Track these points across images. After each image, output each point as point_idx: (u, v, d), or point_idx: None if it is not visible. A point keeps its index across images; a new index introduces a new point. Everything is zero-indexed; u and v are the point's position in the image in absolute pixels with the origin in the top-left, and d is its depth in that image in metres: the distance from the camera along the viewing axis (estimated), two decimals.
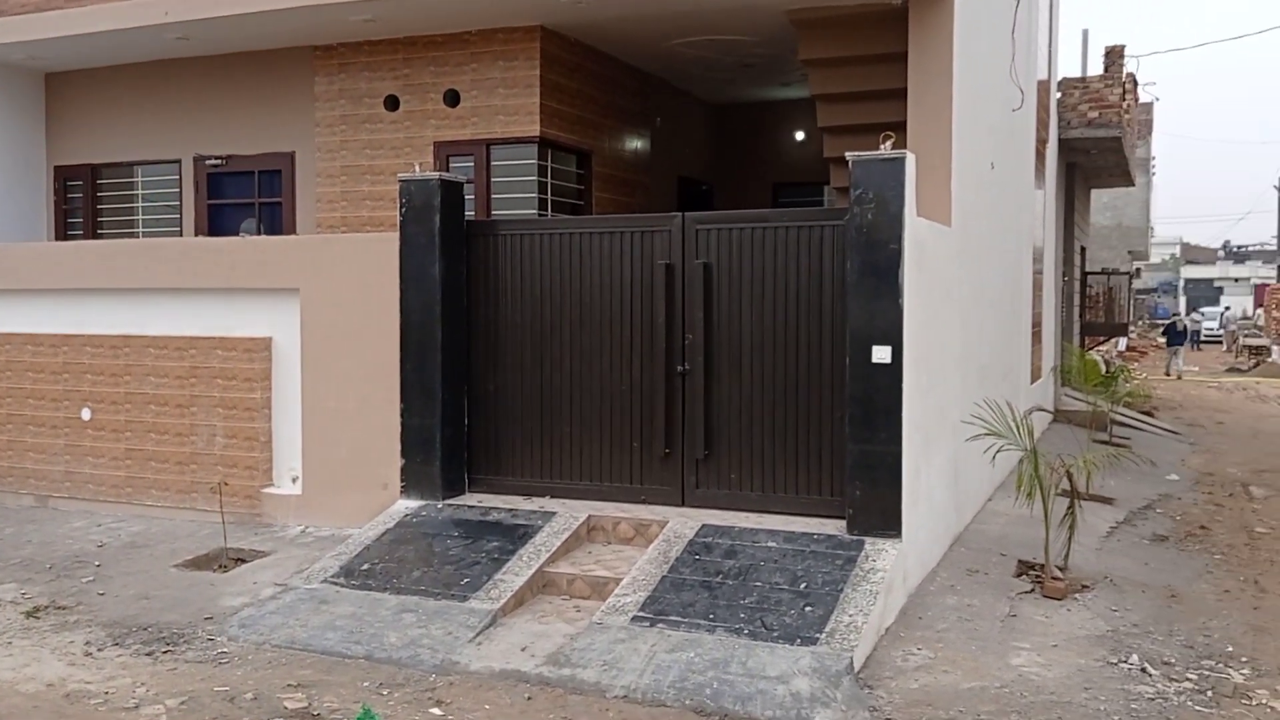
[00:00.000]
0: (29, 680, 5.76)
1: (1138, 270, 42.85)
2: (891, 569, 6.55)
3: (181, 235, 11.84)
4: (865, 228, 6.85)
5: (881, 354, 6.79)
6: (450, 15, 9.99)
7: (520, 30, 10.31)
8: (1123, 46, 16.53)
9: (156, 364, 9.11)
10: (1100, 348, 25.05)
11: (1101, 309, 21.51)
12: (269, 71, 11.39)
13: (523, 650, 6.08)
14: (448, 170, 10.38)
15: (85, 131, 12.35)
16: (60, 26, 10.73)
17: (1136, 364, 27.85)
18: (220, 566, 7.76)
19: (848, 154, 6.96)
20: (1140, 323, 44.87)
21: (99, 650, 6.21)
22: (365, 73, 10.90)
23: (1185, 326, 33.86)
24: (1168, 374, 28.59)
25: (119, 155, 12.21)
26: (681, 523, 7.33)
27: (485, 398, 8.31)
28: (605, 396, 7.97)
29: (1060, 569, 7.56)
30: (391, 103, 10.83)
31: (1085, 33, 22.35)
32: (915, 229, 6.98)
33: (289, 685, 5.72)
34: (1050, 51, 15.30)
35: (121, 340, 9.24)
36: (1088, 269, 21.89)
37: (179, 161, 11.91)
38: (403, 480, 8.14)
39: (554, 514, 7.67)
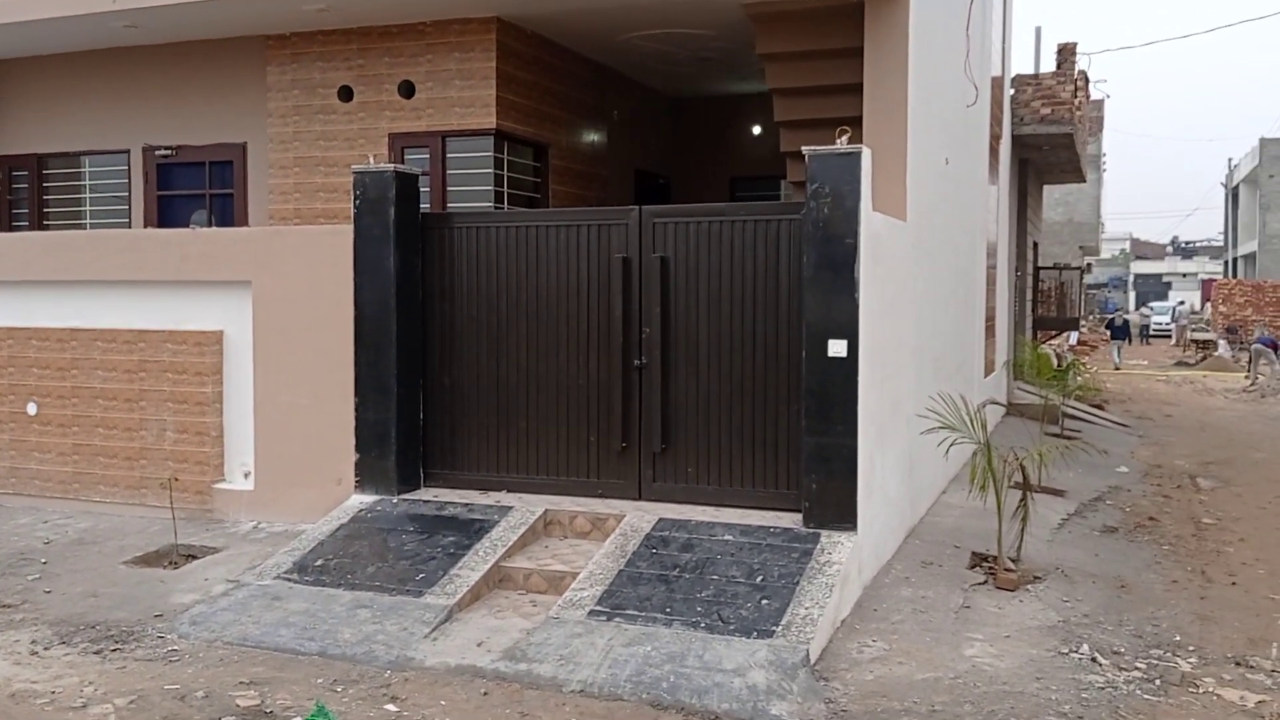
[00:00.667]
0: None
1: (1089, 265, 43.51)
2: (847, 561, 6.60)
3: (130, 227, 11.63)
4: (821, 222, 6.88)
5: (837, 348, 6.82)
6: (405, 5, 9.90)
7: (476, 21, 10.24)
8: (1075, 44, 16.76)
9: (105, 357, 8.94)
10: (1052, 342, 25.40)
11: (1054, 303, 21.81)
12: (221, 61, 11.22)
13: (479, 645, 6.05)
14: (403, 162, 10.28)
15: (31, 120, 12.09)
16: (4, 13, 10.47)
17: (1087, 358, 28.31)
18: (171, 563, 7.64)
19: (804, 148, 6.99)
20: (1091, 317, 45.60)
21: (45, 649, 6.09)
22: (319, 63, 10.77)
23: (1126, 321, 35.83)
24: (1117, 368, 30.04)
25: (66, 145, 11.97)
26: (638, 516, 7.32)
27: (441, 392, 8.25)
28: (562, 391, 7.95)
29: (1013, 560, 7.65)
30: (345, 93, 10.71)
31: (1038, 30, 22.60)
32: (871, 223, 7.02)
33: (241, 683, 5.64)
34: (1004, 48, 15.45)
35: (69, 333, 9.06)
36: (1040, 264, 22.17)
37: (128, 152, 11.70)
38: (357, 475, 8.06)
39: (510, 508, 7.63)
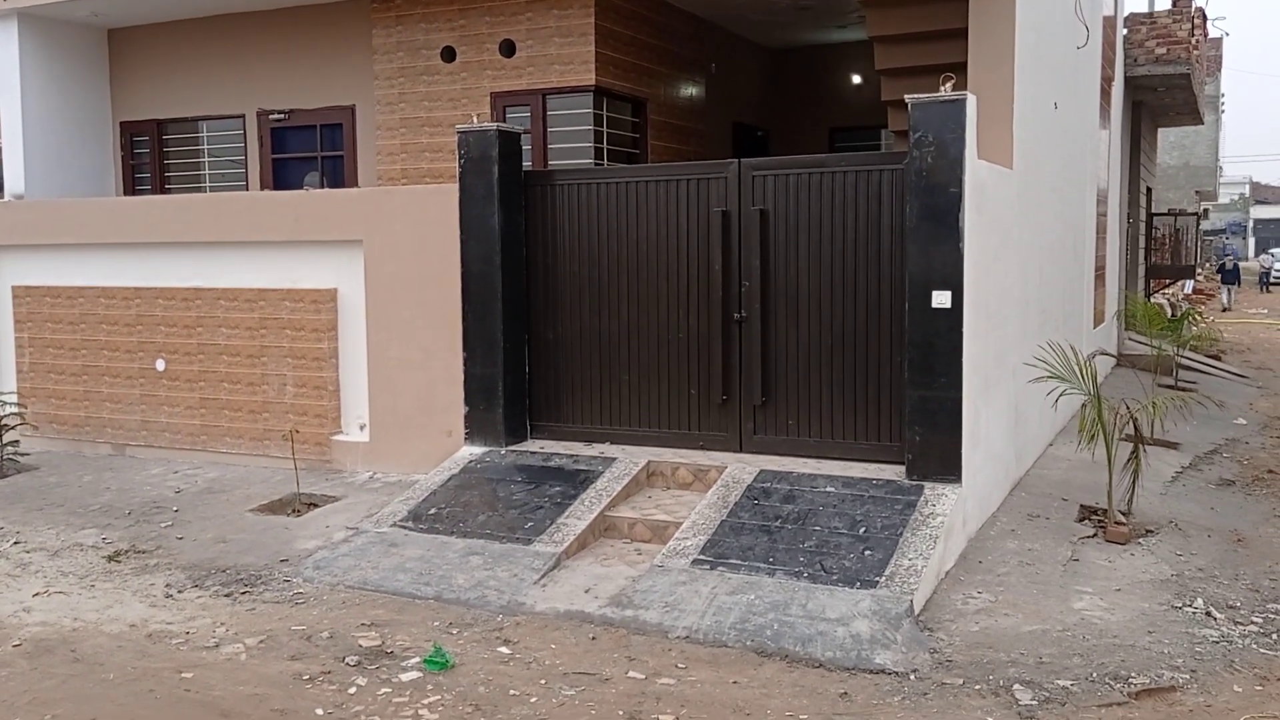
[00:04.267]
0: (112, 621, 6.03)
1: (1205, 211, 41.79)
2: (951, 513, 6.58)
3: (247, 189, 12.05)
4: (925, 171, 6.79)
5: (941, 299, 6.76)
6: None
7: None
8: None
9: (227, 315, 9.34)
10: (1167, 290, 24.54)
11: (1168, 251, 21.04)
12: (328, 25, 11.48)
13: (586, 592, 6.23)
14: (504, 121, 10.42)
15: (149, 87, 12.56)
16: None
17: (1204, 306, 27.32)
18: (294, 511, 8.01)
19: (907, 96, 6.89)
20: (1208, 265, 43.92)
21: (179, 592, 6.47)
22: (422, 25, 10.94)
23: (1236, 265, 36.14)
24: (1225, 309, 30.76)
25: (183, 111, 12.42)
26: (740, 468, 7.41)
27: (545, 346, 8.43)
28: (663, 344, 8.04)
29: (1124, 514, 7.53)
30: (448, 54, 10.87)
31: None
32: (975, 172, 6.90)
33: (363, 624, 5.93)
34: None
35: (193, 293, 9.48)
36: (1154, 210, 21.39)
37: (243, 116, 12.09)
38: (466, 427, 8.31)
39: (614, 459, 7.79)
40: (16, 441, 9.58)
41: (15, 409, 9.85)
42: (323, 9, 11.42)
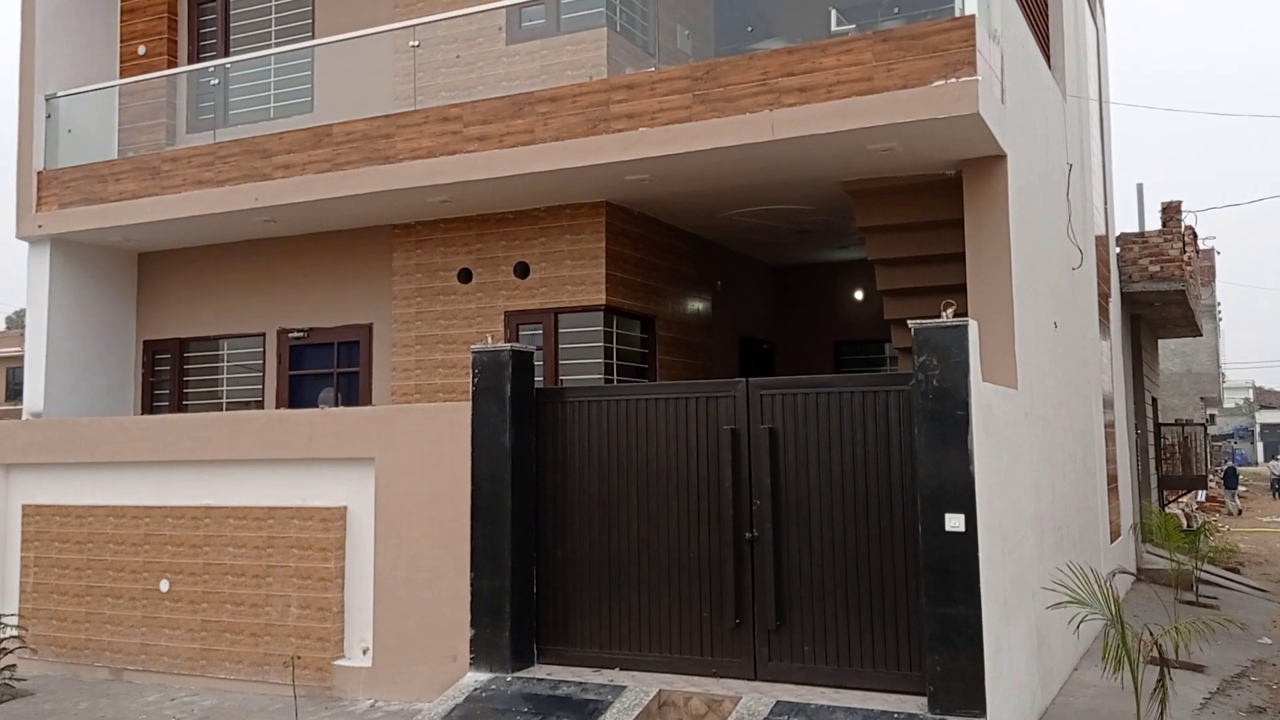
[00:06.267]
0: None
1: (1211, 417, 42.01)
2: None
3: (263, 405, 12.23)
4: (931, 395, 6.89)
5: (955, 522, 6.72)
6: (521, 194, 10.46)
7: (586, 206, 10.74)
8: (1179, 202, 16.68)
9: (236, 534, 9.30)
10: (1180, 500, 24.35)
11: (1178, 460, 21.02)
12: (350, 248, 11.94)
13: None
14: (518, 338, 10.70)
15: (174, 307, 12.96)
16: (156, 212, 11.42)
17: (1217, 514, 27.05)
18: None
19: (910, 323, 7.07)
20: (1218, 470, 43.86)
21: None
22: (440, 248, 11.38)
23: (1233, 468, 37.30)
24: (1231, 514, 31.21)
25: (206, 329, 12.77)
26: (755, 699, 7.17)
27: (554, 564, 8.33)
28: (674, 563, 7.95)
29: None
30: (465, 275, 11.25)
31: (1140, 186, 22.60)
32: (982, 395, 7.00)
33: None
34: (1106, 208, 15.49)
35: (203, 511, 9.47)
36: (1160, 420, 21.50)
37: (263, 335, 12.42)
38: (472, 651, 8.11)
39: (624, 688, 7.55)
40: (13, 666, 9.36)
41: (15, 632, 9.67)
42: (346, 234, 11.92)
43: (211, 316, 12.71)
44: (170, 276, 13.03)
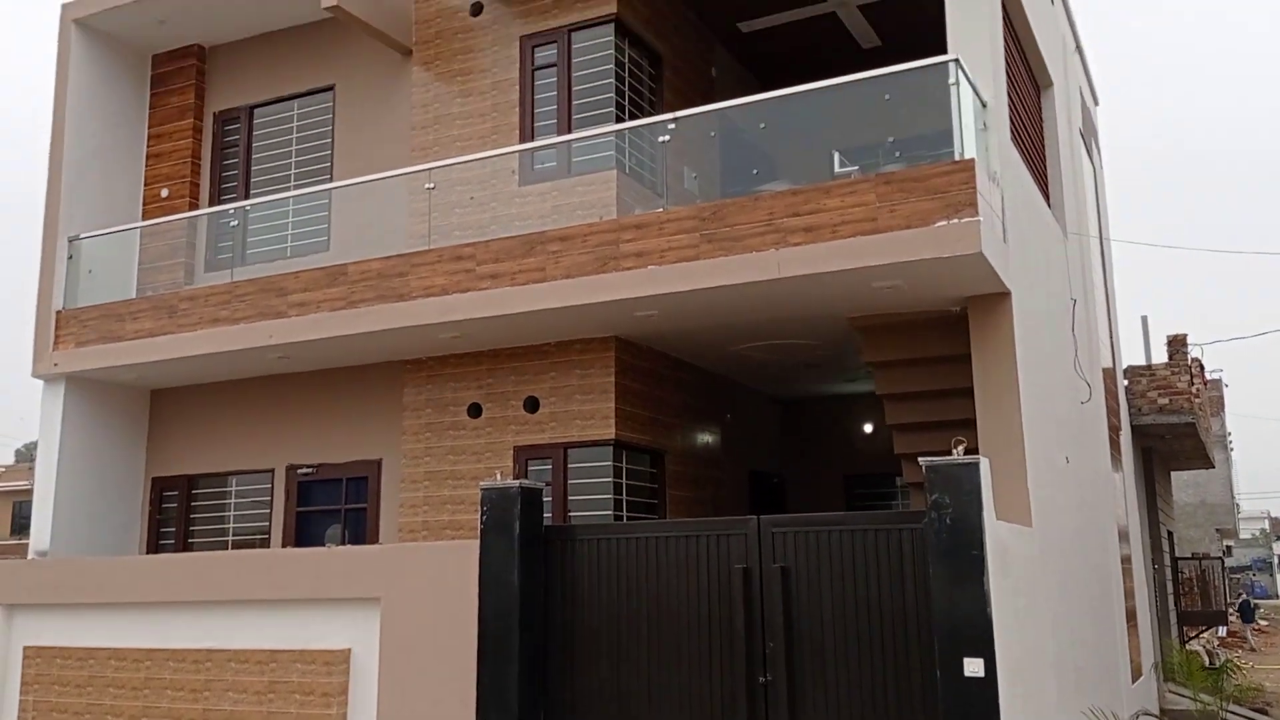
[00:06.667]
0: None
1: (1228, 549, 41.45)
2: None
3: (270, 543, 12.14)
4: (945, 534, 6.83)
5: (974, 667, 6.58)
6: (532, 330, 10.59)
7: (596, 341, 10.84)
8: (1184, 335, 16.80)
9: (237, 679, 9.10)
10: (1201, 636, 23.79)
11: (1197, 595, 20.63)
12: (361, 384, 12.02)
13: None
14: (527, 473, 10.67)
15: (184, 444, 12.98)
16: (172, 350, 11.56)
17: (1239, 651, 26.39)
18: None
19: (920, 460, 7.06)
20: (1236, 603, 43.15)
21: None
22: (451, 383, 11.45)
23: (1247, 601, 37.27)
24: (1252, 649, 30.43)
25: (214, 466, 12.75)
26: None
27: (562, 705, 8.12)
28: (685, 706, 7.74)
29: None
30: (475, 410, 11.29)
31: (1145, 319, 22.75)
32: (996, 533, 6.94)
33: None
34: (1112, 340, 15.60)
35: (204, 655, 9.30)
36: (1177, 554, 21.18)
37: (272, 471, 12.39)
38: None
39: None
40: None
41: None
42: (357, 369, 12.02)
43: (221, 453, 12.72)
44: (181, 413, 13.10)
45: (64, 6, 13.07)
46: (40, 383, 12.53)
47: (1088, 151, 15.73)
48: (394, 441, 11.68)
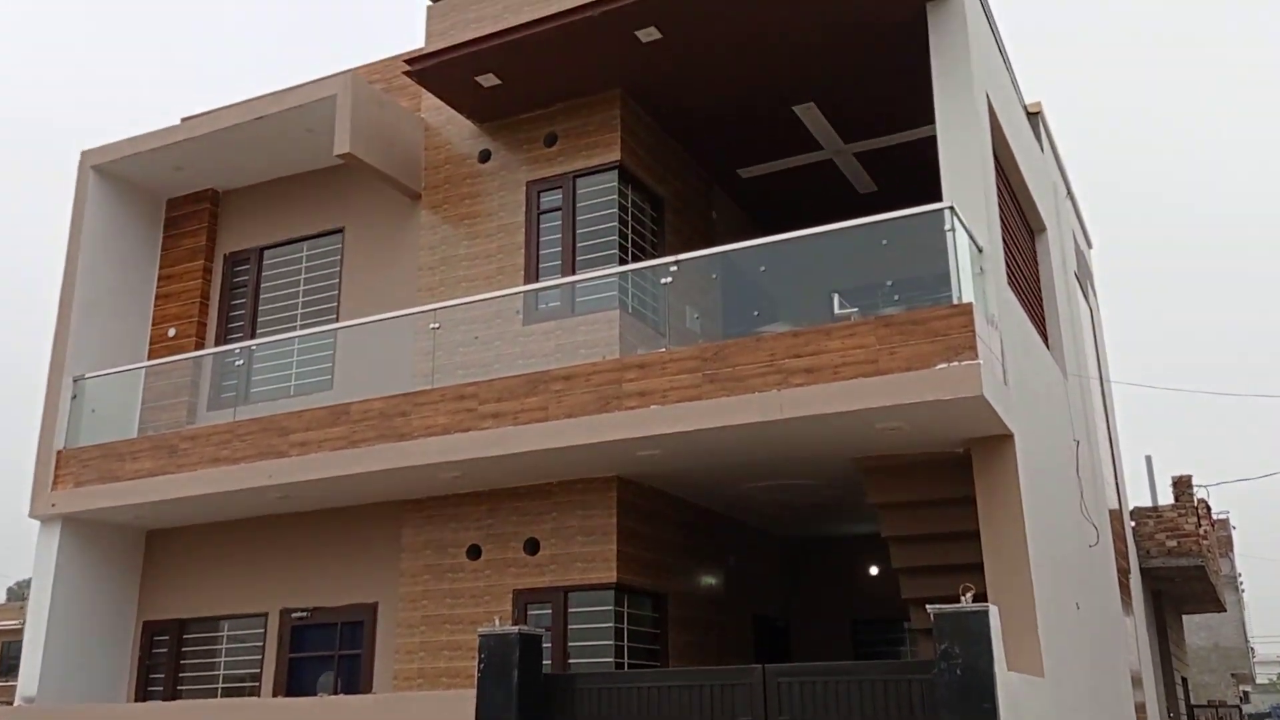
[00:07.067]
0: None
1: (1245, 695, 40.29)
2: None
3: (261, 690, 11.79)
4: (955, 685, 6.64)
5: None
6: (533, 469, 10.53)
7: (598, 480, 10.77)
8: (1189, 476, 16.70)
9: None
10: None
11: None
12: (360, 525, 11.88)
13: None
14: (526, 618, 10.45)
15: (177, 587, 12.75)
16: (170, 490, 11.48)
17: None
18: None
19: (929, 608, 6.92)
20: None
21: None
22: (451, 523, 11.31)
23: None
24: None
25: (207, 610, 12.49)
26: None
27: None
28: None
29: None
30: (474, 552, 11.13)
31: (1149, 459, 22.64)
32: (1008, 684, 6.74)
33: None
34: (1118, 481, 15.51)
35: None
36: (1193, 701, 20.58)
37: (265, 615, 12.14)
38: None
39: None
40: None
41: None
42: (356, 509, 11.90)
43: (214, 596, 12.48)
44: (175, 555, 12.90)
45: (84, 153, 13.46)
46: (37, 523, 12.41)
47: (1083, 293, 15.96)
48: (391, 584, 11.47)
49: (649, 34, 10.51)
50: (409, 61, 11.52)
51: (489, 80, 11.36)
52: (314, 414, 11.00)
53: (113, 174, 13.51)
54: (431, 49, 11.64)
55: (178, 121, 13.71)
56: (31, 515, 12.30)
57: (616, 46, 10.78)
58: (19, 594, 54.13)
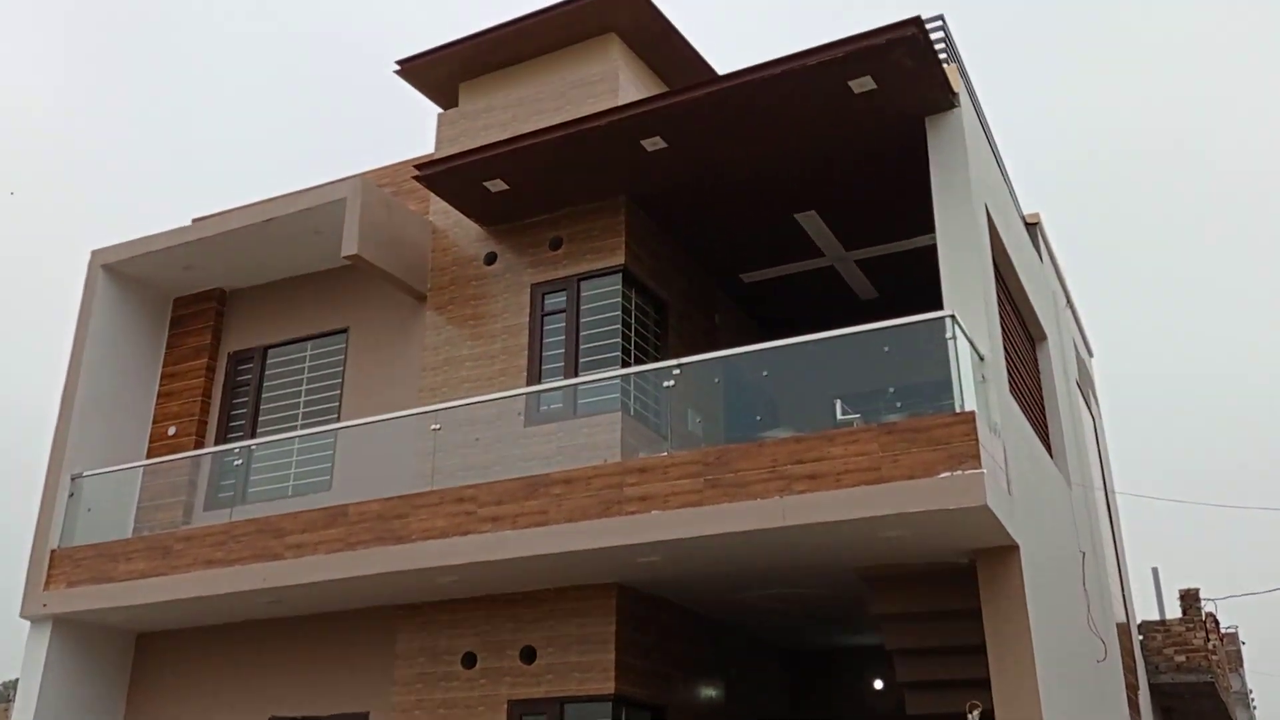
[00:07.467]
0: None
1: None
2: None
3: None
4: None
5: None
6: (531, 575, 10.36)
7: (597, 588, 10.57)
8: (1196, 590, 16.43)
9: None
10: None
11: None
12: (353, 630, 11.64)
13: None
14: None
15: (165, 694, 12.41)
16: (162, 592, 11.28)
17: None
18: None
19: None
20: None
21: None
22: (446, 630, 11.08)
23: None
24: None
25: (193, 717, 12.16)
26: None
27: None
28: None
29: None
30: (469, 660, 10.88)
31: (1155, 571, 22.32)
32: None
33: None
34: (1124, 594, 15.25)
35: None
36: None
37: None
38: None
39: None
40: None
41: None
42: (349, 614, 11.68)
43: (201, 704, 12.14)
44: (165, 660, 12.62)
45: (93, 253, 13.62)
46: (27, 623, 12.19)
47: (1085, 402, 15.94)
48: (384, 692, 11.19)
49: (654, 143, 10.73)
50: (419, 167, 11.74)
51: (497, 185, 11.56)
52: (310, 515, 10.88)
53: (122, 273, 13.64)
54: (442, 154, 11.86)
55: (188, 222, 13.92)
56: (22, 615, 12.09)
57: (622, 155, 10.99)
58: (4, 695, 52.93)
